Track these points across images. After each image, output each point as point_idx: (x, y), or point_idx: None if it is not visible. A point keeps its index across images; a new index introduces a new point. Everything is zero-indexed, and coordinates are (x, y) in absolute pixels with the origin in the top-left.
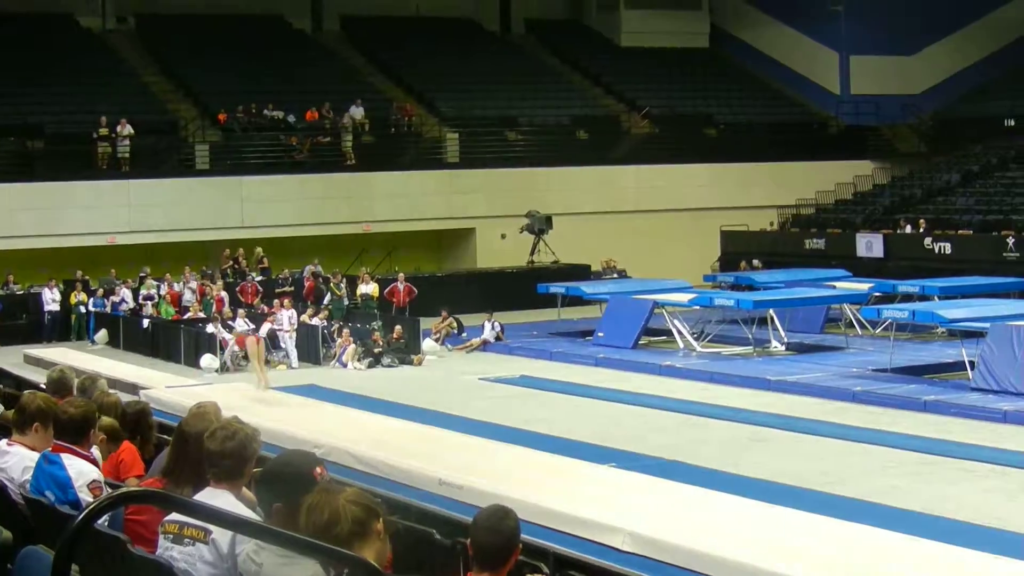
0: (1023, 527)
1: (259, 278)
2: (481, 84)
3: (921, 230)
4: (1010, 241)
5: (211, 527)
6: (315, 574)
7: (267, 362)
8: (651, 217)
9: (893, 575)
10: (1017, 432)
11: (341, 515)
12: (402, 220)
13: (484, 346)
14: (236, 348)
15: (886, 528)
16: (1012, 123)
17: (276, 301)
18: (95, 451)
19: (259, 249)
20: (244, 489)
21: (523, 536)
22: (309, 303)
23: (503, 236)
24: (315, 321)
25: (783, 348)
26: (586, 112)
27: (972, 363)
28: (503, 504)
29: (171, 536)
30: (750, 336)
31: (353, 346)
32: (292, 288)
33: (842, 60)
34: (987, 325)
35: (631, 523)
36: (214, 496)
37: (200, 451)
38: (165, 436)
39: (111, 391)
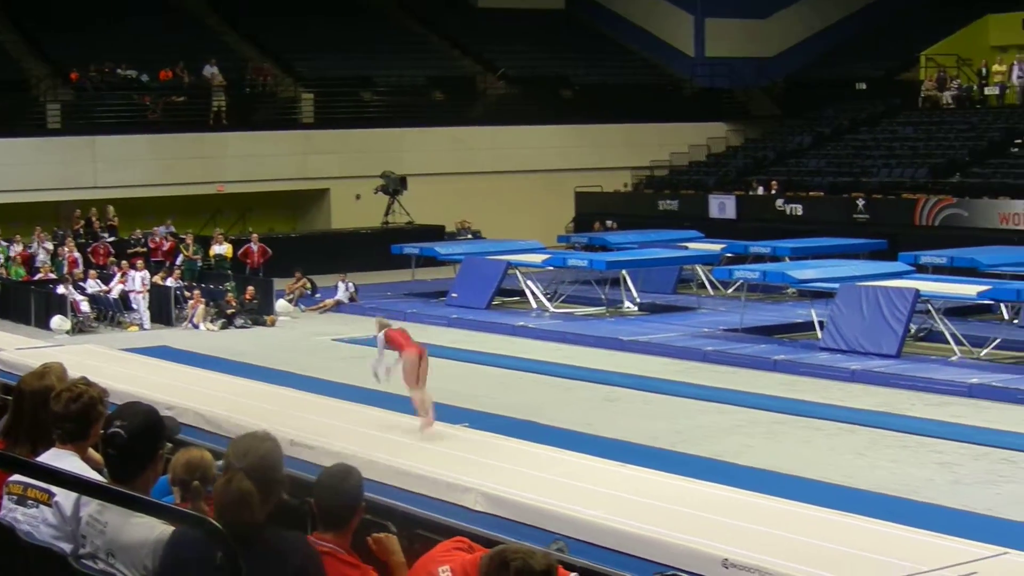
0: (871, 484)
1: (111, 239)
2: (337, 44)
3: (773, 192)
4: (860, 203)
5: (54, 489)
6: (163, 532)
7: (118, 323)
8: (506, 178)
9: (744, 533)
10: (865, 391)
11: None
12: (256, 181)
13: (338, 307)
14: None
15: (738, 487)
16: (864, 86)
17: (125, 262)
18: None
19: (111, 208)
20: (90, 450)
21: (371, 496)
22: (167, 264)
23: (358, 197)
24: (168, 282)
25: (635, 308)
26: (442, 73)
27: (822, 323)
28: (347, 463)
29: (15, 498)
30: (603, 296)
31: (203, 306)
32: (145, 249)
33: (697, 23)
34: (836, 286)
35: (483, 482)
36: (59, 458)
37: (38, 410)
38: (9, 397)
39: None
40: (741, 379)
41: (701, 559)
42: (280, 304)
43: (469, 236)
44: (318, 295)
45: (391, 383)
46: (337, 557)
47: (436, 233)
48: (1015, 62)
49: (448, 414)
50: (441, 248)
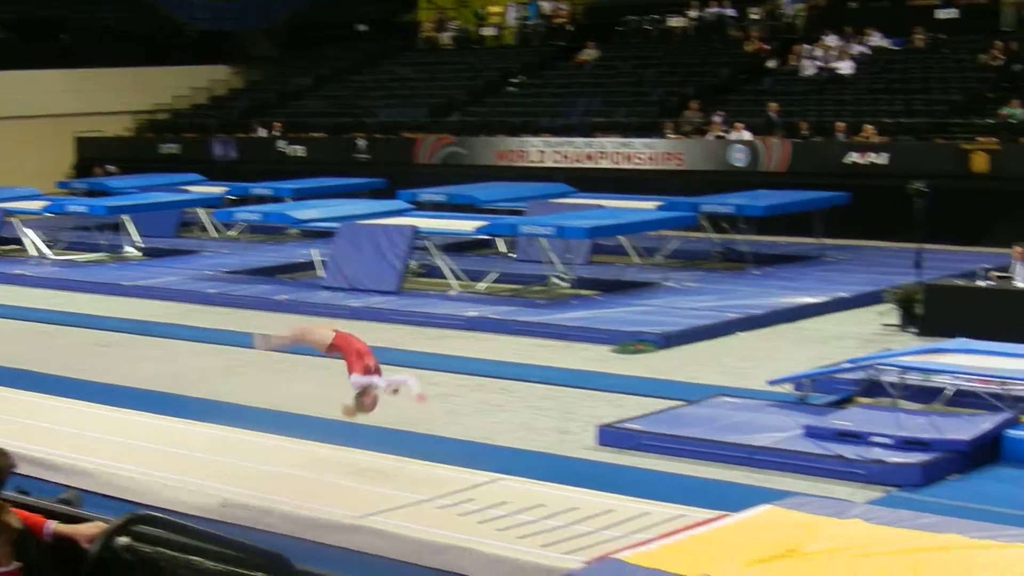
0: (371, 419)
1: None
2: None
3: (275, 133)
4: (360, 143)
5: None
6: None
7: None
8: (3, 125)
9: (242, 472)
10: (367, 327)
11: None
12: None
13: None
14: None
15: (235, 426)
16: (365, 28)
17: None
18: None
19: None
20: None
21: None
22: None
23: None
24: None
25: (138, 253)
26: None
27: (324, 262)
28: None
29: None
30: (104, 242)
31: None
32: None
33: None
34: (337, 225)
35: None
36: None
37: None
38: None
39: None
40: (242, 320)
41: (199, 500)
42: None
43: None
44: None
45: None
46: None
47: None
48: (510, 4)
49: None
50: None
